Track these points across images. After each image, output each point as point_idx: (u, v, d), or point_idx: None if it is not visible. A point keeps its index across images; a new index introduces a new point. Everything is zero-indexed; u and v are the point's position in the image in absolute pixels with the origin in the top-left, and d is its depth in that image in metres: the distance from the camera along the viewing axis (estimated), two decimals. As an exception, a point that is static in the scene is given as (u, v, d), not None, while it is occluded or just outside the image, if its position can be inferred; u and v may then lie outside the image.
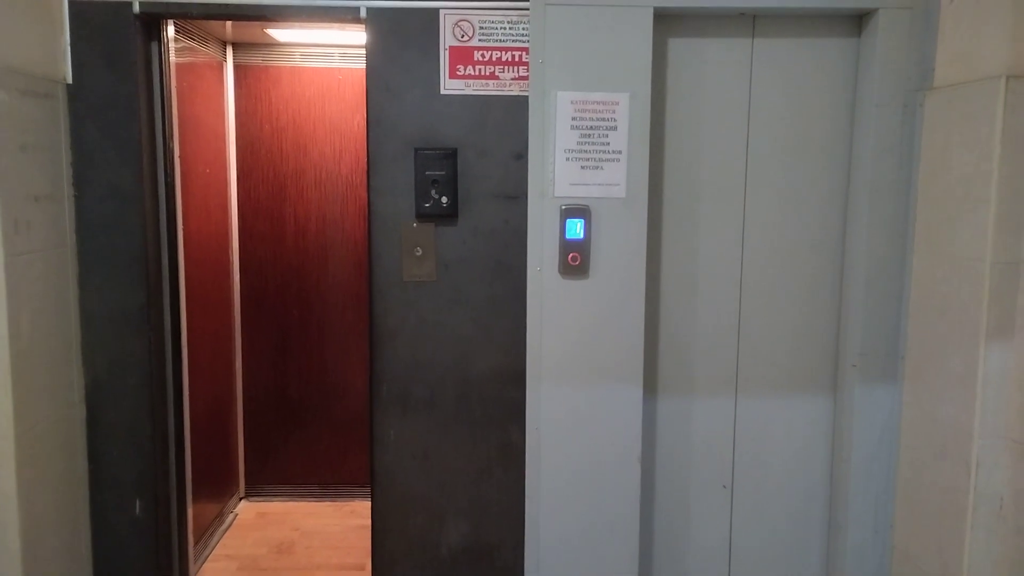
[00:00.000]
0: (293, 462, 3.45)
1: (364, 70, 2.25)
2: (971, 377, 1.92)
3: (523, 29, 2.20)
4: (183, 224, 2.55)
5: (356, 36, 3.06)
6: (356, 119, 3.24)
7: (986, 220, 1.87)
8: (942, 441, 2.04)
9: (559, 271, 2.22)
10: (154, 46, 2.30)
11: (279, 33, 3.04)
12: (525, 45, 2.20)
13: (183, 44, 2.62)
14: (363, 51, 2.23)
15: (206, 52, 2.93)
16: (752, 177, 2.36)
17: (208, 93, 2.97)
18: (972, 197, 1.93)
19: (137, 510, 2.27)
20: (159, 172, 2.35)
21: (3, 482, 1.90)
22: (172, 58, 2.41)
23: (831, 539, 2.47)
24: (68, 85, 2.14)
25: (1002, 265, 1.86)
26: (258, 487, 3.45)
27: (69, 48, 2.13)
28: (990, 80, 1.87)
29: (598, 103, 2.17)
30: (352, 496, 3.42)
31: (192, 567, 2.63)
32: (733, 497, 2.49)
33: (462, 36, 2.20)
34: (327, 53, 3.23)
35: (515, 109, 2.22)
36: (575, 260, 2.20)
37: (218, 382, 3.16)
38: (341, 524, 3.19)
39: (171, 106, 2.40)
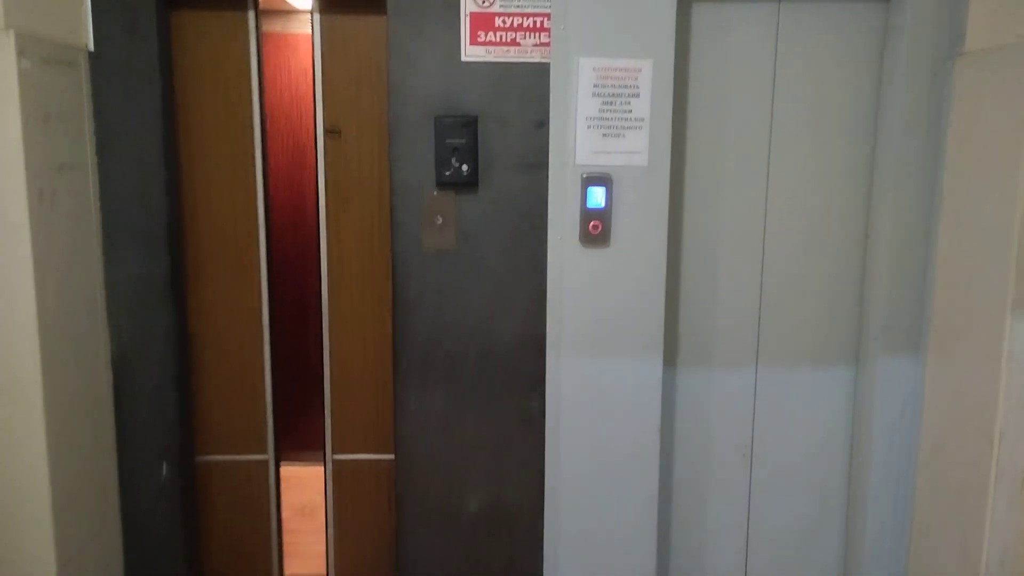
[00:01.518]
0: (317, 426, 3.49)
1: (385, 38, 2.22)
2: (996, 350, 1.90)
3: (545, -6, 2.17)
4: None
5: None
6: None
7: (1015, 191, 1.84)
8: (965, 414, 2.02)
9: (580, 240, 2.21)
10: (250, 15, 2.31)
11: (299, 1, 3.02)
12: (547, 11, 2.17)
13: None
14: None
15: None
16: (776, 145, 2.33)
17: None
18: (1001, 168, 1.89)
19: (164, 474, 2.31)
20: (256, 145, 2.37)
21: (34, 448, 1.94)
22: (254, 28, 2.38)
23: (850, 512, 2.48)
24: (90, 53, 2.14)
25: (1032, 236, 1.83)
26: (282, 451, 3.50)
27: (90, 16, 2.13)
28: (1022, 45, 1.82)
29: (621, 70, 2.14)
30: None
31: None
32: (752, 469, 2.49)
33: (483, 2, 2.17)
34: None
35: (536, 76, 2.19)
36: (596, 229, 2.19)
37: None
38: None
39: (262, 76, 2.40)
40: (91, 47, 2.14)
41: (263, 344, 2.45)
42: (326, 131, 2.32)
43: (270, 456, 2.51)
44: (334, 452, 2.51)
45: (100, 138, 2.17)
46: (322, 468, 3.41)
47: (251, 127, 2.36)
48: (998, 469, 1.91)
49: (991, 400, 1.91)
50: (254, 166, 2.37)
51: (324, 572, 2.58)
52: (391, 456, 2.50)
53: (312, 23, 2.24)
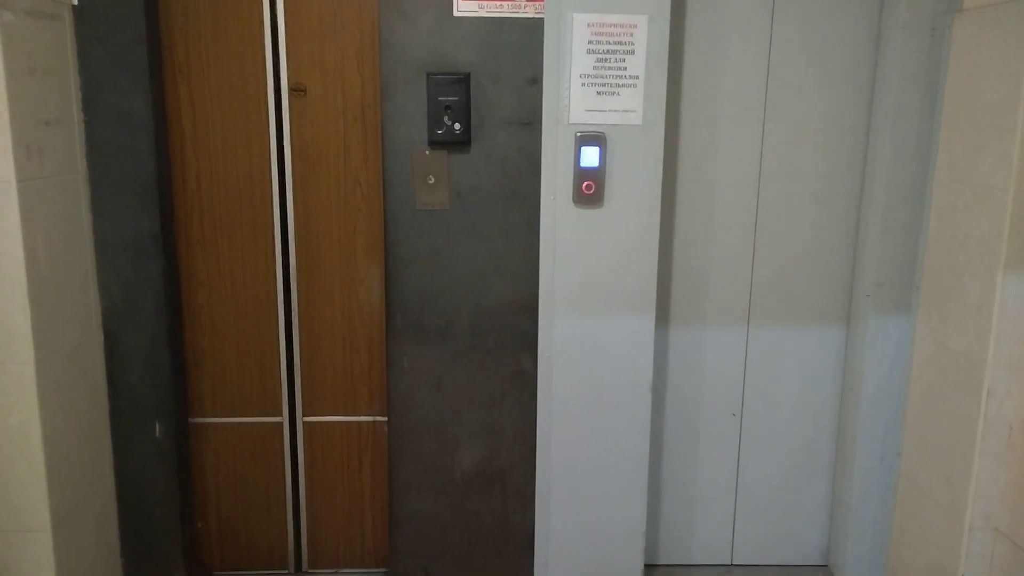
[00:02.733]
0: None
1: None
2: (987, 307, 1.91)
3: (539, -52, 2.13)
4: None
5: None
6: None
7: (1011, 149, 1.83)
8: (954, 370, 2.04)
9: (573, 200, 2.19)
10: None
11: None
12: (541, -35, 2.13)
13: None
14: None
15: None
16: (772, 103, 2.31)
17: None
18: (997, 125, 1.88)
19: (157, 433, 2.32)
20: (281, 96, 2.30)
21: (26, 406, 1.94)
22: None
23: (838, 467, 2.51)
24: (74, 7, 2.09)
25: (1025, 194, 1.83)
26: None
27: (73, -33, 2.08)
28: (1020, 2, 1.81)
29: (616, 26, 2.11)
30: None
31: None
32: (742, 426, 2.52)
33: (476, -45, 2.13)
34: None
35: (530, 32, 2.16)
36: (589, 189, 2.18)
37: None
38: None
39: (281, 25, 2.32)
40: (75, 0, 2.09)
41: (276, 303, 2.42)
42: (290, 89, 2.29)
43: (284, 418, 2.50)
44: (304, 414, 2.51)
45: (86, 93, 2.13)
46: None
47: (263, 76, 2.30)
48: (985, 425, 1.93)
49: (980, 357, 1.93)
50: (267, 116, 2.32)
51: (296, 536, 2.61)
52: (363, 417, 2.51)
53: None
